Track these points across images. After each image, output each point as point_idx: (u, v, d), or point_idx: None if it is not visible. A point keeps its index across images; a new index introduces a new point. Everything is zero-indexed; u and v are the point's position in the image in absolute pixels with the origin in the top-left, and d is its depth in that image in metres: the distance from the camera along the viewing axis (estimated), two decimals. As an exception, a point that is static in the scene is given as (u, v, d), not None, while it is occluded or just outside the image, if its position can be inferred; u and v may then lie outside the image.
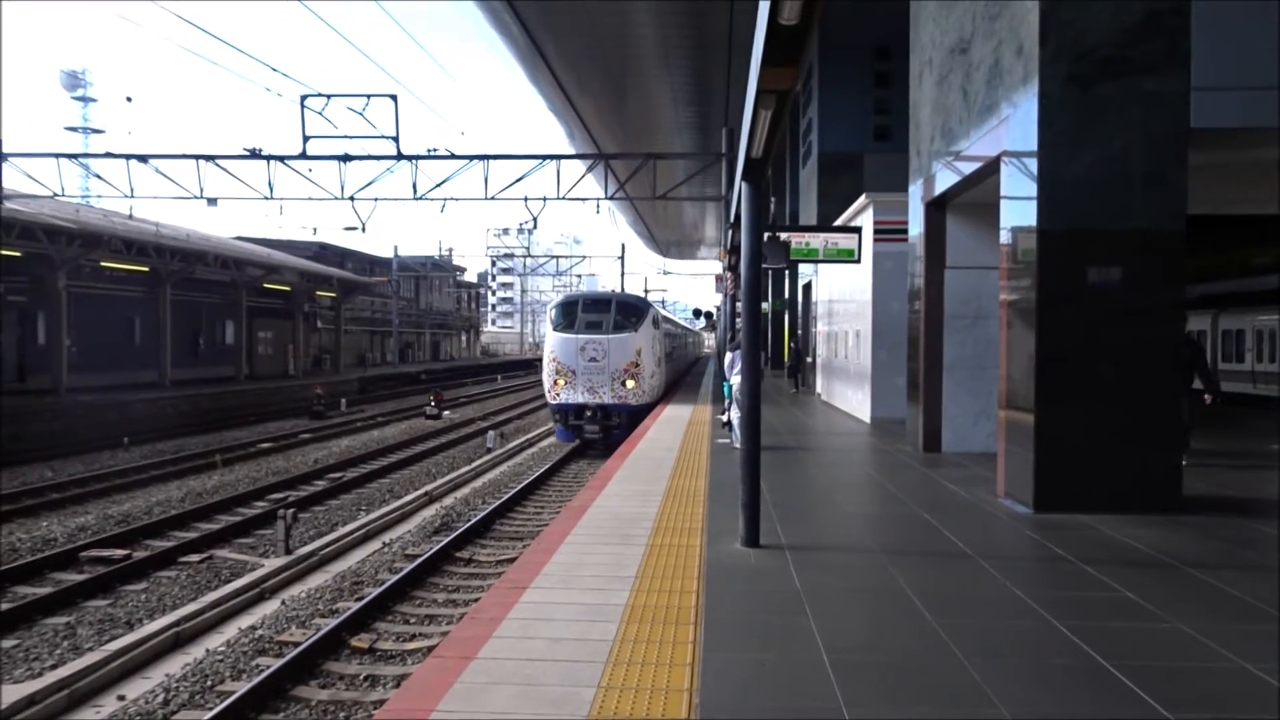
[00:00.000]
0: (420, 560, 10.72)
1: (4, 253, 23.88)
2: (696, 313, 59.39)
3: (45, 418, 22.96)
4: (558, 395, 20.20)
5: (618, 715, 3.81)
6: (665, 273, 76.65)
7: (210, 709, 6.67)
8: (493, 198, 25.00)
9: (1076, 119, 7.85)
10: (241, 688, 7.00)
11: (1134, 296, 7.89)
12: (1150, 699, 3.93)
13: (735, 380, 11.79)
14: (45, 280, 25.71)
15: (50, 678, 7.31)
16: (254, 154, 24.26)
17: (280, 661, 7.44)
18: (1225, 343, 25.64)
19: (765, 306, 34.77)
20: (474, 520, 12.92)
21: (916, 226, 12.38)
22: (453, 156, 24.39)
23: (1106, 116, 7.83)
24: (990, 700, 3.92)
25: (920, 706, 3.90)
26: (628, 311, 20.86)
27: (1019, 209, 8.38)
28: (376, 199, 25.62)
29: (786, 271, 31.59)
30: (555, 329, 20.71)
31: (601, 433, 20.02)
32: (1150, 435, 7.93)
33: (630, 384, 19.93)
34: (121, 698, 7.16)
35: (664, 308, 58.38)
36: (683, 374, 36.76)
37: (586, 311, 20.71)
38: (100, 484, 16.77)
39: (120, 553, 11.54)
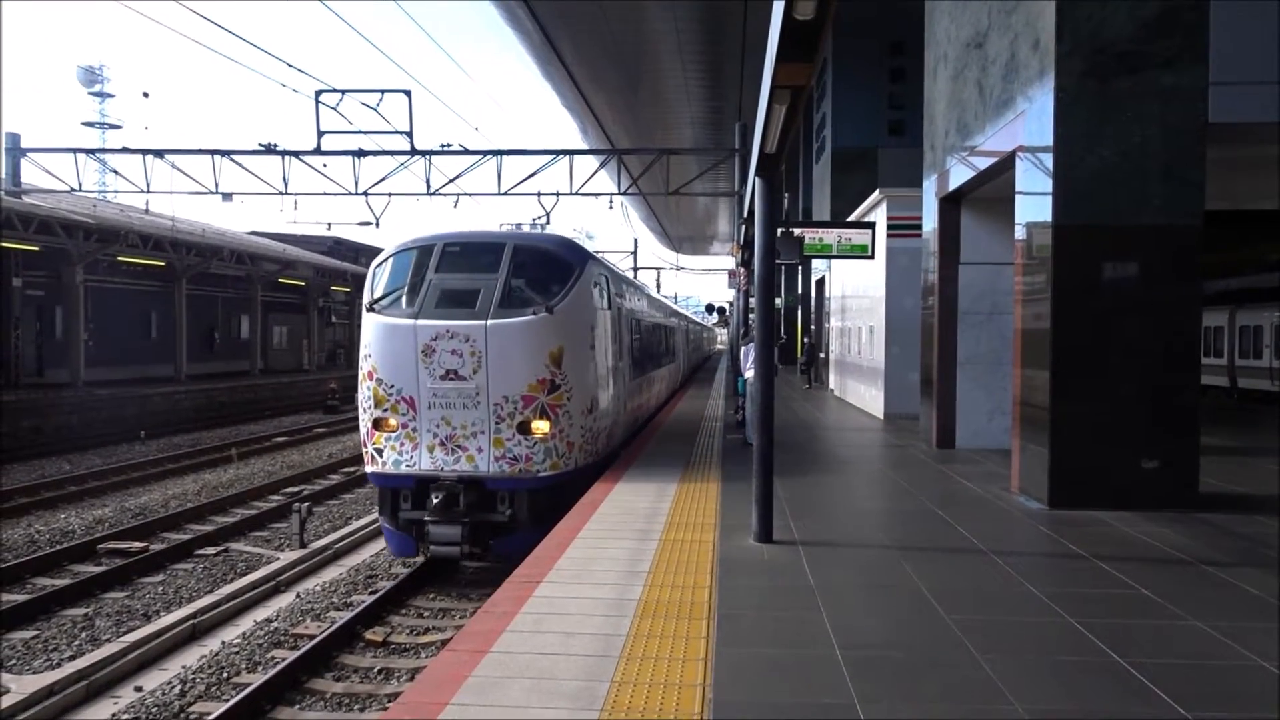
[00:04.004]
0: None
1: (22, 247, 24.07)
2: (709, 308, 59.32)
3: (63, 411, 23.14)
4: (379, 454, 9.48)
5: (631, 709, 3.83)
6: (678, 268, 76.44)
7: (226, 701, 6.73)
8: (506, 193, 25.03)
9: (1093, 114, 7.81)
10: (257, 680, 7.06)
11: (1150, 292, 7.84)
12: (1166, 696, 3.92)
13: (749, 374, 11.78)
14: (63, 275, 25.91)
15: (69, 668, 7.39)
16: (269, 149, 24.37)
17: (295, 654, 7.49)
18: (1243, 339, 25.44)
19: (778, 302, 34.72)
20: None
21: (930, 222, 12.33)
22: (466, 152, 24.41)
23: (1123, 111, 7.78)
24: (1005, 697, 3.92)
25: (935, 703, 3.89)
26: (539, 269, 9.92)
27: (1034, 204, 8.34)
28: (390, 194, 25.68)
29: (799, 267, 31.54)
30: (373, 307, 9.72)
31: (468, 540, 9.05)
32: (1166, 432, 7.89)
33: (540, 429, 9.26)
34: (139, 689, 7.23)
35: (676, 303, 54.20)
36: (677, 386, 25.30)
37: (446, 269, 9.73)
38: (117, 477, 16.90)
39: (137, 545, 11.63)
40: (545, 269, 9.96)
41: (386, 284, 9.94)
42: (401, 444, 9.38)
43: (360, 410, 9.72)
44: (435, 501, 9.06)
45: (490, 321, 9.20)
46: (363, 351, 9.63)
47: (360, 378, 9.68)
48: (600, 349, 10.43)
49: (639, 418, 14.54)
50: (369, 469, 9.66)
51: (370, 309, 9.69)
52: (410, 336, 9.24)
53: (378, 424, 9.44)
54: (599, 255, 12.96)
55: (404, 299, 9.63)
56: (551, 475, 9.34)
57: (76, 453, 20.39)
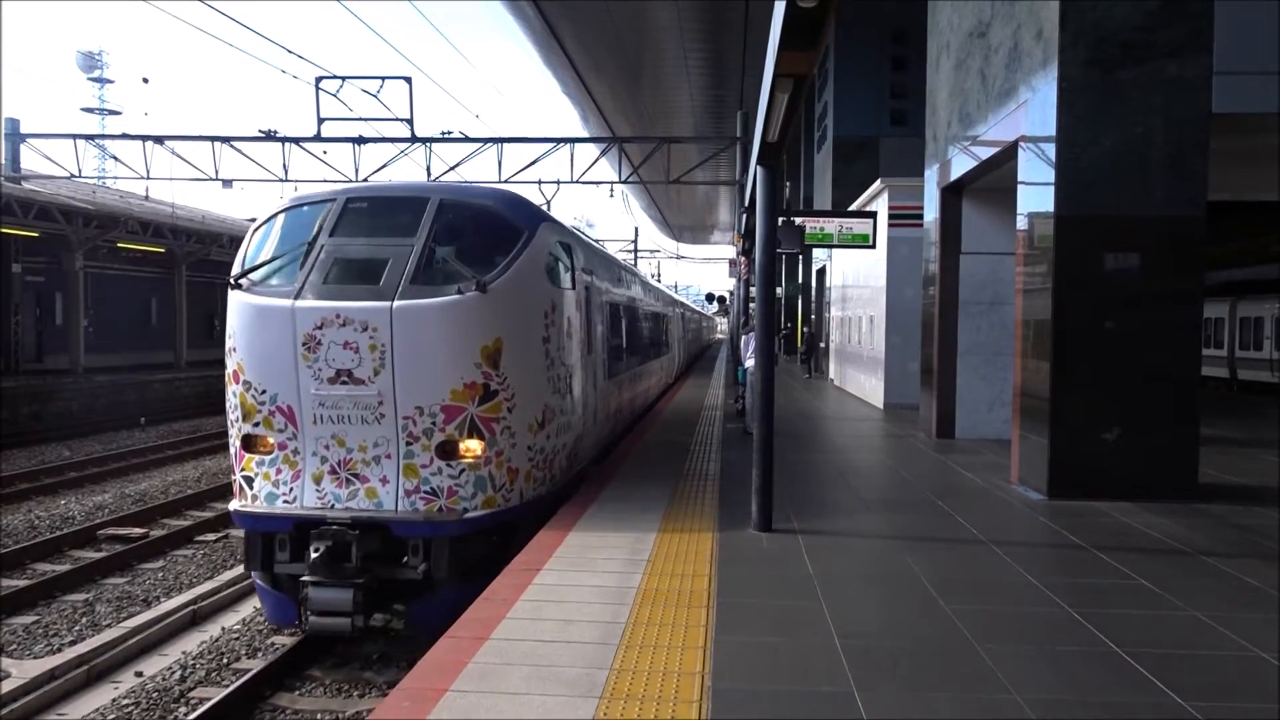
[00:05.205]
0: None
1: (22, 233, 24.03)
2: (710, 297, 59.31)
3: (63, 397, 23.15)
4: (248, 484, 7.15)
5: (630, 696, 3.83)
6: (679, 257, 76.38)
7: (226, 686, 6.75)
8: (506, 181, 24.95)
9: (1096, 104, 7.78)
10: (257, 665, 7.08)
11: (1152, 283, 7.84)
12: (1164, 686, 3.93)
13: (750, 364, 11.78)
14: (62, 261, 25.87)
15: (69, 653, 7.42)
16: (269, 136, 24.29)
17: (295, 640, 7.51)
18: (1244, 330, 25.43)
19: (779, 291, 34.70)
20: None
21: (932, 212, 12.31)
22: (467, 139, 24.34)
23: (1127, 101, 7.75)
24: (1004, 686, 3.93)
25: (933, 691, 3.90)
26: (472, 232, 7.61)
27: (1036, 194, 8.32)
28: (391, 182, 25.61)
29: (800, 256, 31.51)
30: (239, 283, 7.34)
31: (362, 609, 6.52)
32: (1166, 422, 7.89)
33: (469, 451, 6.90)
34: (139, 674, 7.25)
35: (677, 292, 53.31)
36: (671, 381, 22.84)
37: (346, 232, 7.37)
38: (117, 463, 16.91)
39: (138, 531, 11.65)
40: (481, 233, 7.56)
41: (271, 251, 7.51)
42: (278, 471, 6.98)
43: (229, 424, 7.35)
44: (316, 554, 6.47)
45: (398, 303, 6.72)
46: (228, 343, 7.29)
47: (226, 378, 7.31)
48: (558, 341, 7.84)
49: (620, 424, 12.08)
50: (233, 505, 7.17)
51: (235, 285, 7.25)
52: (286, 323, 6.81)
53: (250, 443, 7.11)
54: (580, 232, 10.64)
55: (283, 272, 7.25)
56: (484, 515, 6.84)
57: (77, 439, 20.39)
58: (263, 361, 6.96)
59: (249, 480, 7.10)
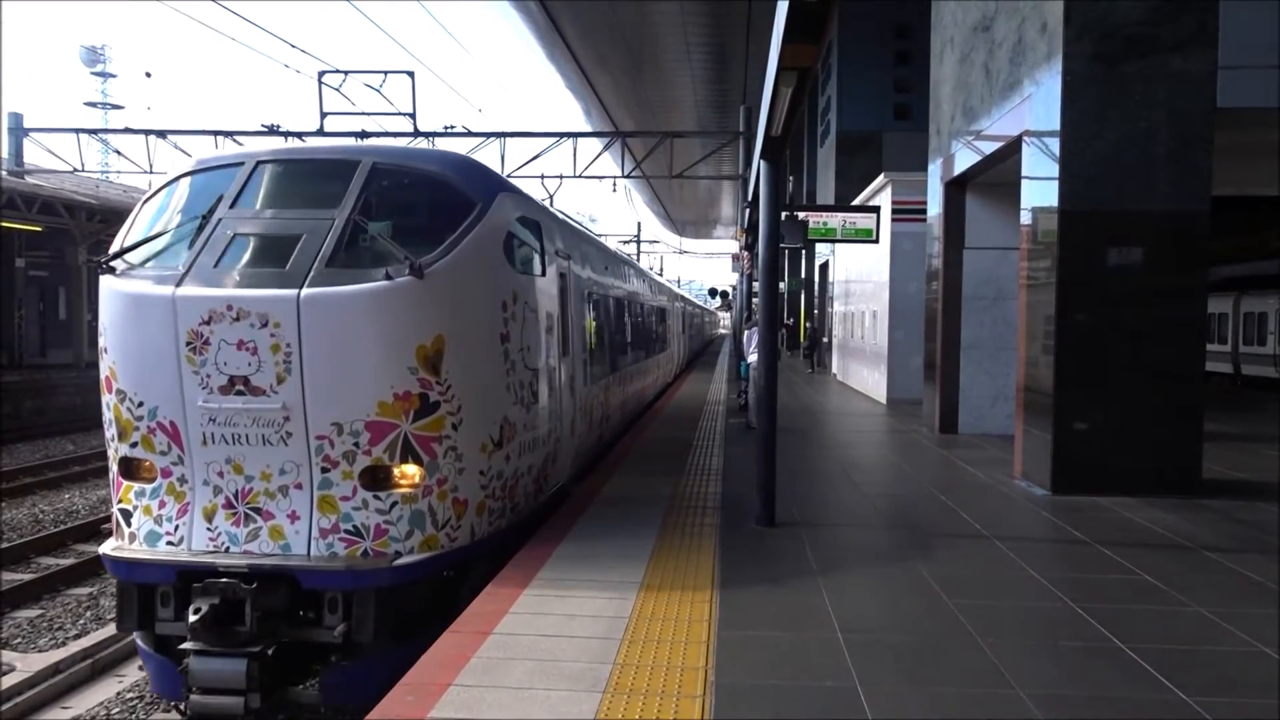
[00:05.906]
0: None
1: (25, 227, 24.06)
2: (712, 292, 59.31)
3: (66, 392, 23.20)
4: (125, 520, 5.66)
5: (634, 691, 3.84)
6: (681, 251, 76.32)
7: (230, 680, 6.75)
8: (509, 175, 24.95)
9: (1100, 98, 7.76)
10: (261, 659, 7.08)
11: (1156, 278, 7.82)
12: (1168, 681, 3.93)
13: (753, 359, 11.78)
14: (65, 255, 25.91)
15: (74, 647, 7.45)
16: (272, 130, 24.25)
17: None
18: (1247, 326, 25.37)
19: (782, 286, 34.67)
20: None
21: (935, 206, 12.29)
22: (469, 134, 24.31)
23: (1131, 95, 7.72)
24: (1006, 681, 3.93)
25: (936, 686, 3.90)
26: (412, 204, 6.23)
27: (1040, 189, 8.30)
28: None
29: (803, 251, 31.48)
30: (112, 265, 5.77)
31: (252, 681, 5.00)
32: (1170, 418, 7.88)
33: (405, 477, 5.45)
34: (143, 668, 7.27)
35: (679, 285, 52.86)
36: (670, 380, 21.58)
37: (253, 202, 5.88)
38: (121, 458, 16.93)
39: (141, 526, 11.67)
40: (423, 205, 6.21)
41: (160, 227, 5.99)
42: (161, 504, 5.55)
43: (106, 443, 5.98)
44: (197, 615, 5.00)
45: (307, 291, 5.28)
46: (100, 342, 5.87)
47: (100, 386, 5.90)
48: (521, 339, 6.35)
49: (610, 430, 10.76)
50: (104, 548, 5.67)
51: (105, 268, 5.76)
52: (166, 317, 5.34)
53: (128, 468, 5.68)
54: (562, 213, 9.31)
55: (169, 253, 5.77)
56: (422, 560, 5.42)
57: (80, 433, 20.44)
58: (139, 365, 5.53)
59: (126, 515, 5.67)
